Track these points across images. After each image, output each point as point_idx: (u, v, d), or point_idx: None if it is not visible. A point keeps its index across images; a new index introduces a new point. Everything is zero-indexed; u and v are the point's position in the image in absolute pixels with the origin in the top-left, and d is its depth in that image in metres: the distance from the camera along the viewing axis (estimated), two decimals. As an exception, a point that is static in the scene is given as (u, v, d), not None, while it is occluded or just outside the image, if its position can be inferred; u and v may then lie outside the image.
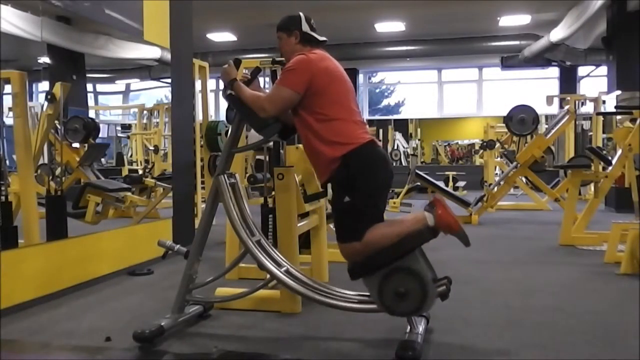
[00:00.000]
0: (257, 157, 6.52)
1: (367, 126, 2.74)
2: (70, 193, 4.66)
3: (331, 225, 4.43)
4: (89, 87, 5.50)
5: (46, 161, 4.44)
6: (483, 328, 2.78)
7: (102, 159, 6.28)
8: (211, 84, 12.72)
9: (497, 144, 10.37)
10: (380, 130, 14.36)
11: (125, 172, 6.85)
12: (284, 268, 2.71)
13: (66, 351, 2.56)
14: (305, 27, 2.72)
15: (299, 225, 3.30)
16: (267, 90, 2.92)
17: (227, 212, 2.72)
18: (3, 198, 3.61)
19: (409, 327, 2.50)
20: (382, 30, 11.59)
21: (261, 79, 3.30)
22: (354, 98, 2.70)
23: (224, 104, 14.44)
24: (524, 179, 8.39)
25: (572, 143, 9.98)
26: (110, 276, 3.95)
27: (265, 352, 2.51)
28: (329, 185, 2.62)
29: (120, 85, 6.60)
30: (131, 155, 7.64)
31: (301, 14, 2.75)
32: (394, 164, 14.68)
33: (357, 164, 2.48)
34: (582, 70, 13.70)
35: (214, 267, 3.78)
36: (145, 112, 7.20)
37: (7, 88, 3.62)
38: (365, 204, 2.48)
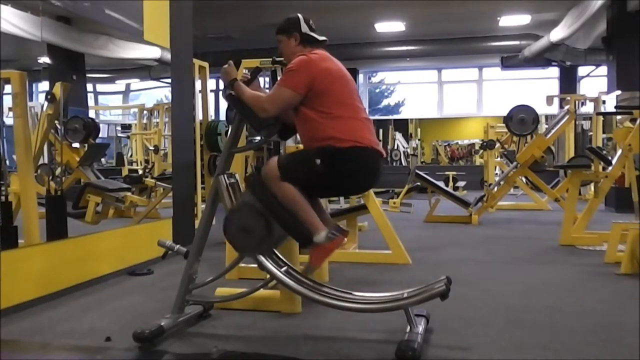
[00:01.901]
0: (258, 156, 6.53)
1: (372, 123, 2.75)
2: (70, 193, 4.66)
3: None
4: (89, 87, 5.49)
5: (46, 161, 4.43)
6: (483, 328, 2.78)
7: (102, 159, 6.28)
8: (211, 84, 12.72)
9: (497, 144, 10.37)
10: (380, 130, 14.36)
11: (125, 172, 6.85)
12: (284, 268, 2.71)
13: (66, 351, 2.56)
14: (304, 28, 2.72)
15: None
16: (267, 90, 2.92)
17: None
18: (3, 198, 3.61)
19: (409, 327, 2.50)
20: (382, 30, 11.60)
21: (261, 79, 3.30)
22: (357, 96, 2.71)
23: (224, 104, 14.46)
24: (524, 179, 8.40)
25: (572, 143, 9.98)
26: (110, 276, 3.95)
27: (265, 352, 2.51)
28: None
29: (120, 85, 6.59)
30: (131, 155, 7.63)
31: (299, 15, 2.75)
32: (394, 164, 14.69)
33: (354, 162, 2.52)
34: (582, 70, 13.70)
35: (214, 267, 3.78)
36: (145, 112, 7.20)
37: (7, 88, 3.61)
38: (322, 181, 2.57)
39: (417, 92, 16.42)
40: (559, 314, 3.03)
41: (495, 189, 7.66)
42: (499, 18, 10.72)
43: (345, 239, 2.65)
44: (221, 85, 13.83)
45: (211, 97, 13.59)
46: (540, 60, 12.08)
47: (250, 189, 2.66)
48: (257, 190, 2.63)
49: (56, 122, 4.36)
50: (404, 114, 16.48)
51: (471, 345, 2.53)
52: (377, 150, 2.61)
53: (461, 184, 11.61)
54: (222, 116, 12.54)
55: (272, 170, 2.58)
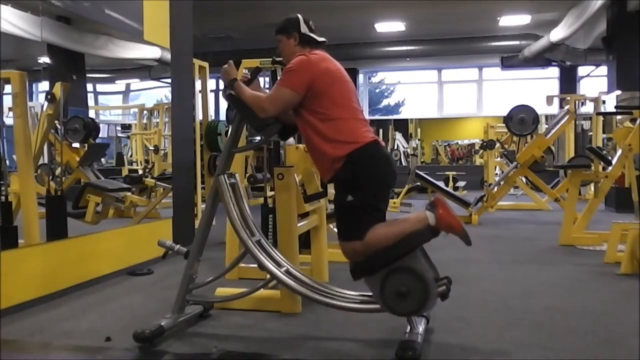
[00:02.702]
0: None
1: (369, 124, 2.74)
2: (70, 193, 4.66)
3: (331, 225, 4.43)
4: (89, 87, 5.49)
5: (46, 161, 4.43)
6: (483, 328, 2.78)
7: (102, 159, 6.28)
8: (211, 84, 12.72)
9: (497, 144, 10.37)
10: (380, 130, 14.36)
11: (125, 172, 6.85)
12: (284, 268, 2.70)
13: (66, 351, 2.56)
14: (304, 29, 2.72)
15: (299, 225, 3.30)
16: (267, 91, 2.92)
17: (227, 212, 2.72)
18: (3, 198, 3.61)
19: (409, 327, 2.50)
20: (382, 30, 11.59)
21: (261, 79, 3.30)
22: (356, 97, 2.70)
23: (224, 104, 14.46)
24: (524, 179, 8.39)
25: (572, 143, 9.97)
26: (110, 276, 3.95)
27: (265, 352, 2.51)
28: (329, 185, 2.63)
29: (120, 85, 6.59)
30: (131, 155, 7.63)
31: (299, 15, 2.75)
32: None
33: (360, 164, 2.49)
34: (582, 70, 13.69)
35: (214, 267, 3.78)
36: (145, 112, 7.20)
37: (7, 88, 3.61)
38: (367, 203, 2.48)
39: (417, 92, 16.41)
40: (559, 314, 3.03)
41: (495, 189, 7.66)
42: (499, 18, 10.71)
43: (440, 198, 2.52)
44: (221, 85, 13.84)
45: (211, 97, 13.59)
46: (540, 60, 12.07)
47: (365, 276, 2.44)
48: (366, 270, 2.42)
49: (56, 122, 4.36)
50: (404, 114, 16.47)
51: (471, 345, 2.54)
52: (377, 142, 2.59)
53: (461, 184, 11.62)
54: (222, 116, 12.55)
55: (349, 247, 2.47)
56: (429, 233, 2.38)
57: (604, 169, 5.70)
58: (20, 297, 3.16)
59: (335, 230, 2.74)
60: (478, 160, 14.23)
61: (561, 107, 9.26)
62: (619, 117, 6.57)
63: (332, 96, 2.57)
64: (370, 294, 2.53)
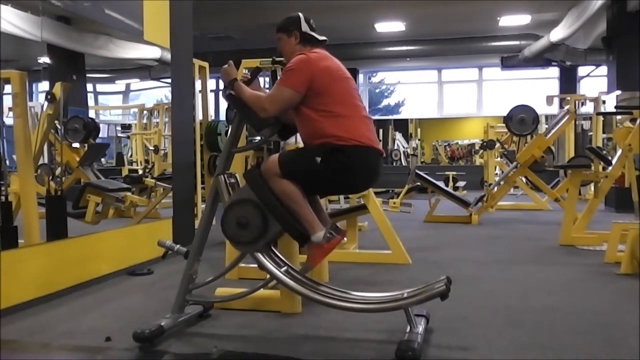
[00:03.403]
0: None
1: (372, 122, 2.76)
2: (70, 193, 4.66)
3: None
4: (89, 87, 5.49)
5: (46, 161, 4.43)
6: (483, 328, 2.78)
7: (102, 159, 6.28)
8: (211, 84, 12.72)
9: (497, 144, 10.37)
10: (380, 130, 14.36)
11: (125, 172, 6.84)
12: (284, 268, 2.70)
13: (66, 351, 2.56)
14: (304, 27, 2.72)
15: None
16: (267, 90, 2.92)
17: (227, 212, 2.72)
18: (3, 198, 3.61)
19: (408, 327, 2.50)
20: (382, 30, 11.60)
21: (261, 79, 3.30)
22: (357, 94, 2.71)
23: (224, 104, 14.46)
24: (524, 179, 8.40)
25: (572, 143, 9.98)
26: (110, 276, 3.95)
27: (265, 352, 2.51)
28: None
29: (120, 85, 6.59)
30: (131, 155, 7.63)
31: (300, 14, 2.75)
32: (394, 164, 14.69)
33: (354, 160, 2.51)
34: (582, 70, 13.70)
35: (214, 267, 3.78)
36: (145, 112, 7.20)
37: (7, 88, 3.61)
38: (321, 179, 2.58)
39: (417, 92, 16.42)
40: (559, 314, 3.03)
41: (495, 189, 7.66)
42: (499, 18, 10.72)
43: (345, 239, 2.65)
44: (221, 85, 13.83)
45: (211, 97, 13.59)
46: (540, 60, 12.08)
47: (249, 183, 2.66)
48: (256, 185, 2.62)
49: (56, 122, 4.36)
50: (404, 114, 16.48)
51: (471, 345, 2.53)
52: (378, 150, 2.61)
53: (461, 184, 11.61)
54: (222, 116, 12.54)
55: (272, 166, 2.58)
56: (301, 237, 2.58)
57: (604, 169, 5.70)
58: (20, 297, 3.16)
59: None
60: (478, 160, 14.24)
61: (561, 107, 9.26)
62: (619, 117, 6.58)
63: (333, 94, 2.58)
64: (371, 294, 2.54)
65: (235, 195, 2.69)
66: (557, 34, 10.07)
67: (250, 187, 2.64)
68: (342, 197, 7.29)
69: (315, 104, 2.56)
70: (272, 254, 2.77)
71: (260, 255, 2.66)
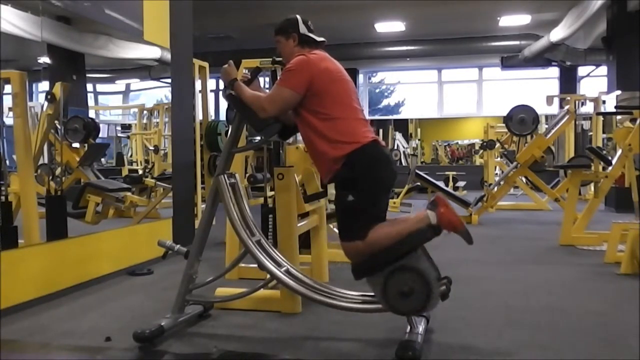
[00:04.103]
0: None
1: (370, 124, 2.74)
2: (70, 193, 4.65)
3: (331, 225, 4.43)
4: (89, 87, 5.49)
5: (46, 161, 4.43)
6: (483, 328, 2.78)
7: (102, 159, 6.27)
8: (211, 84, 12.72)
9: (497, 144, 10.37)
10: (380, 130, 14.36)
11: (125, 172, 6.84)
12: (284, 268, 2.71)
13: (66, 351, 2.56)
14: (302, 29, 2.72)
15: (299, 225, 3.30)
16: (267, 90, 2.92)
17: (227, 212, 2.72)
18: (3, 198, 3.61)
19: (409, 327, 2.50)
20: (382, 30, 11.59)
21: (261, 79, 3.30)
22: (356, 96, 2.70)
23: (224, 104, 14.44)
24: (524, 179, 8.39)
25: (572, 143, 9.97)
26: (110, 276, 3.95)
27: (265, 352, 2.51)
28: (329, 185, 2.63)
29: (120, 85, 6.59)
30: (131, 155, 7.63)
31: (298, 16, 2.75)
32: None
33: (360, 164, 2.49)
34: (582, 70, 13.69)
35: (214, 267, 3.78)
36: (145, 112, 7.19)
37: (7, 88, 3.61)
38: (367, 203, 2.48)
39: (417, 92, 16.42)
40: (559, 314, 3.03)
41: (495, 189, 7.66)
42: (499, 18, 10.71)
43: (441, 197, 2.53)
44: (221, 85, 13.84)
45: (211, 97, 13.59)
46: (540, 60, 12.07)
47: (367, 276, 2.44)
48: (367, 270, 2.43)
49: (56, 122, 4.36)
50: (404, 114, 16.47)
51: (471, 345, 2.54)
52: (377, 142, 2.59)
53: (461, 184, 11.62)
54: (222, 116, 12.54)
55: (350, 247, 2.47)
56: (430, 232, 2.38)
57: (604, 169, 5.70)
58: (20, 297, 3.16)
59: (336, 230, 2.75)
60: (478, 160, 14.23)
61: (561, 107, 9.25)
62: (619, 117, 6.57)
63: (332, 96, 2.57)
64: (371, 293, 2.54)
65: (377, 296, 2.46)
66: (557, 34, 10.07)
67: (371, 275, 2.43)
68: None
69: (314, 106, 2.56)
70: (272, 254, 2.77)
71: (260, 255, 2.66)
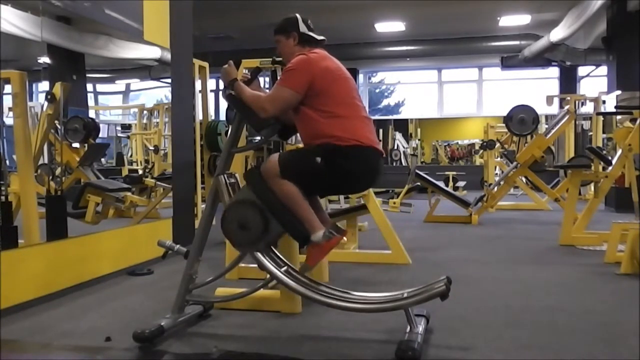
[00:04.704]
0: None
1: (372, 122, 2.75)
2: (70, 193, 4.66)
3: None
4: (89, 87, 5.49)
5: (46, 161, 4.43)
6: (483, 328, 2.78)
7: (102, 159, 6.27)
8: (211, 84, 12.72)
9: (497, 144, 10.37)
10: (380, 130, 14.37)
11: (125, 172, 6.84)
12: (284, 268, 2.70)
13: (66, 351, 2.56)
14: (302, 28, 2.72)
15: (299, 225, 3.29)
16: (267, 90, 2.92)
17: (227, 212, 2.72)
18: (3, 198, 3.61)
19: (408, 327, 2.50)
20: (382, 30, 11.60)
21: (261, 79, 3.30)
22: (357, 95, 2.71)
23: (224, 104, 14.45)
24: (524, 179, 8.40)
25: (572, 143, 9.98)
26: (110, 276, 3.95)
27: (265, 352, 2.51)
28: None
29: (120, 85, 6.59)
30: (131, 155, 7.63)
31: (297, 15, 2.75)
32: (394, 164, 14.69)
33: (352, 157, 2.52)
34: (582, 70, 13.70)
35: (214, 267, 3.78)
36: (145, 112, 7.19)
37: (7, 88, 3.61)
38: (321, 179, 2.57)
39: (417, 92, 16.42)
40: (559, 314, 3.03)
41: (495, 189, 7.66)
42: (499, 18, 10.72)
43: (345, 239, 2.65)
44: (221, 85, 13.83)
45: (211, 97, 13.59)
46: (540, 60, 12.08)
47: (249, 184, 2.66)
48: (256, 186, 2.63)
49: (56, 122, 4.36)
50: (404, 114, 16.49)
51: (471, 345, 2.53)
52: (378, 150, 2.61)
53: (461, 184, 11.61)
54: (222, 116, 12.54)
55: (272, 167, 2.58)
56: (302, 237, 2.58)
57: (604, 169, 5.70)
58: (20, 297, 3.16)
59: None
60: (478, 160, 14.24)
61: (561, 107, 9.26)
62: (619, 117, 6.57)
63: (333, 94, 2.58)
64: (372, 294, 2.55)
65: (235, 196, 2.69)
66: (557, 34, 10.07)
67: (251, 187, 2.64)
68: (342, 197, 7.28)
69: (316, 104, 2.56)
70: (272, 254, 2.77)
71: (260, 255, 2.66)
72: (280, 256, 2.81)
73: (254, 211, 2.58)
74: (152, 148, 6.88)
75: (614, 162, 5.30)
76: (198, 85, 6.70)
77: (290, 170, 2.56)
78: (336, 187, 2.79)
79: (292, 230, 2.60)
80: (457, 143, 16.20)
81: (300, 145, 3.64)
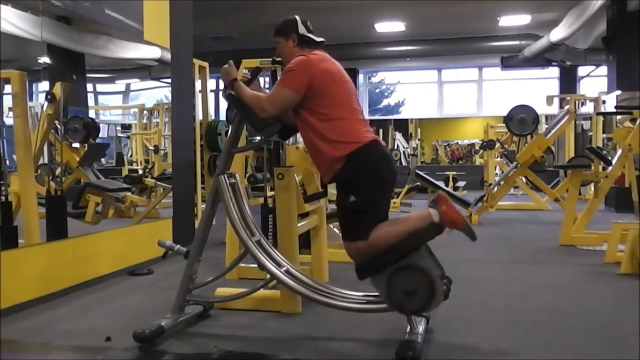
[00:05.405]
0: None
1: (369, 124, 2.75)
2: (70, 193, 4.66)
3: (331, 225, 4.43)
4: (89, 87, 5.49)
5: (46, 161, 4.43)
6: (483, 328, 2.78)
7: (102, 159, 6.28)
8: (211, 84, 12.72)
9: (497, 144, 10.37)
10: (380, 130, 14.37)
11: (125, 172, 6.84)
12: (284, 268, 2.71)
13: (66, 351, 2.56)
14: (302, 30, 2.72)
15: (299, 225, 3.30)
16: (267, 91, 2.92)
17: (227, 212, 2.72)
18: (3, 198, 3.61)
19: (409, 327, 2.50)
20: (382, 30, 11.59)
21: (261, 79, 3.31)
22: (356, 97, 2.70)
23: (224, 104, 14.43)
24: (524, 179, 8.39)
25: (572, 143, 9.97)
26: (110, 276, 3.95)
27: (265, 352, 2.51)
28: (329, 185, 2.63)
29: (120, 85, 6.59)
30: (131, 155, 7.63)
31: (297, 16, 2.75)
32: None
33: (360, 164, 2.49)
34: (582, 70, 13.69)
35: (214, 267, 3.78)
36: (145, 112, 7.20)
37: (7, 88, 3.61)
38: (369, 203, 2.48)
39: (417, 92, 16.41)
40: (559, 314, 3.03)
41: (495, 189, 7.66)
42: (499, 18, 10.71)
43: (442, 195, 2.54)
44: (221, 85, 13.83)
45: (211, 97, 13.58)
46: (540, 60, 12.07)
47: (371, 275, 2.45)
48: (372, 269, 2.42)
49: (56, 122, 4.36)
50: (404, 114, 16.47)
51: (471, 345, 2.54)
52: (377, 142, 2.59)
53: (461, 184, 11.62)
54: (222, 116, 12.54)
55: (353, 247, 2.47)
56: (433, 230, 2.38)
57: (604, 169, 5.70)
58: (20, 297, 3.16)
59: (336, 230, 2.75)
60: (478, 160, 14.23)
61: (561, 107, 9.25)
62: (619, 117, 6.57)
63: (332, 96, 2.57)
64: (372, 293, 2.54)
65: (381, 295, 2.45)
66: (557, 34, 10.07)
67: (373, 274, 2.43)
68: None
69: (314, 106, 2.56)
70: (272, 254, 2.77)
71: (260, 255, 2.66)
72: (280, 256, 2.82)
73: (398, 278, 2.36)
74: (152, 148, 6.88)
75: (614, 162, 5.30)
76: (198, 85, 6.70)
77: (357, 229, 2.46)
78: (380, 194, 2.58)
79: (424, 240, 2.40)
80: (457, 143, 16.19)
81: (301, 145, 3.66)
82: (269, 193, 4.33)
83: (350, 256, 2.51)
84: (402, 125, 15.56)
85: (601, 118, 9.55)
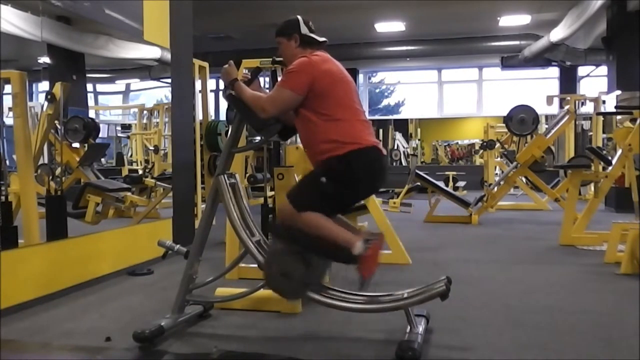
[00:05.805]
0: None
1: (371, 125, 2.74)
2: (70, 193, 4.66)
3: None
4: (89, 87, 5.50)
5: (46, 161, 4.43)
6: (483, 328, 2.78)
7: (102, 159, 6.28)
8: (211, 84, 12.72)
9: (497, 144, 10.37)
10: (381, 130, 14.37)
11: (125, 172, 6.85)
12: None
13: (66, 351, 2.56)
14: (304, 30, 2.71)
15: (299, 225, 3.29)
16: (268, 91, 2.92)
17: (227, 212, 2.72)
18: (3, 198, 3.61)
19: (409, 327, 2.50)
20: (382, 30, 11.60)
21: (261, 79, 3.31)
22: (357, 98, 2.70)
23: (224, 104, 14.43)
24: (524, 179, 8.40)
25: (572, 143, 9.98)
26: (110, 276, 3.95)
27: (265, 352, 2.51)
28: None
29: (120, 85, 6.60)
30: (131, 155, 7.64)
31: (299, 17, 2.75)
32: (394, 164, 14.69)
33: (356, 164, 2.49)
34: (582, 70, 13.69)
35: (214, 267, 3.78)
36: (145, 112, 7.20)
37: (7, 88, 3.61)
38: (334, 195, 2.53)
39: (417, 92, 16.41)
40: (559, 314, 3.03)
41: (495, 189, 7.66)
42: (499, 18, 10.72)
43: (382, 239, 2.61)
44: (221, 85, 13.84)
45: (211, 97, 13.59)
46: (540, 60, 12.07)
47: (275, 235, 2.65)
48: (282, 233, 2.59)
49: (56, 122, 4.36)
50: (404, 114, 16.47)
51: (471, 345, 2.54)
52: (378, 148, 2.60)
53: (461, 184, 11.61)
54: (222, 116, 12.54)
55: (286, 208, 2.55)
56: (345, 257, 2.46)
57: (604, 169, 5.70)
58: (20, 297, 3.16)
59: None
60: (478, 160, 14.24)
61: (561, 107, 9.26)
62: (619, 117, 6.57)
63: (334, 97, 2.57)
64: (372, 294, 2.54)
65: (268, 250, 2.64)
66: (557, 34, 10.07)
67: (278, 237, 2.62)
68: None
69: (316, 107, 2.56)
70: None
71: (260, 255, 2.66)
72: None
73: (290, 258, 2.52)
74: (152, 148, 6.89)
75: (614, 162, 5.30)
76: (198, 85, 6.70)
77: (304, 202, 2.52)
78: (352, 197, 2.69)
79: (334, 255, 2.55)
80: (457, 143, 16.19)
81: (300, 145, 3.65)
82: (269, 193, 4.33)
83: (279, 211, 2.64)
84: (402, 125, 15.56)
85: (601, 118, 9.55)
